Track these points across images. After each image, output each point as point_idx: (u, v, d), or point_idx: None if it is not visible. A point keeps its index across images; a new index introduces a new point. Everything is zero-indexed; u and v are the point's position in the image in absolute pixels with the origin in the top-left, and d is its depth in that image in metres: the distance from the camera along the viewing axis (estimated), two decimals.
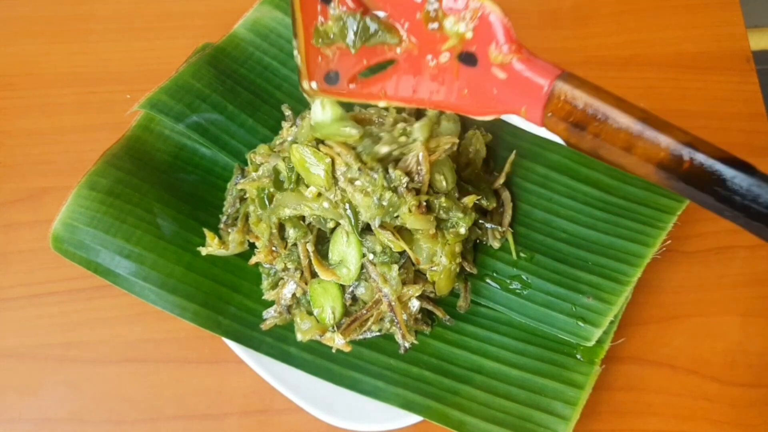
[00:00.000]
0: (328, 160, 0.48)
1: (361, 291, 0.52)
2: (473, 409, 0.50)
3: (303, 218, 0.52)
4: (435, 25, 0.40)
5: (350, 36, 0.44)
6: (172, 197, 0.55)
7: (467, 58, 0.40)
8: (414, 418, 0.50)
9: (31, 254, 0.58)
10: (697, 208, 0.59)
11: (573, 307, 0.53)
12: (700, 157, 0.33)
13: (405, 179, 0.48)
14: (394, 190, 0.48)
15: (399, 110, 0.53)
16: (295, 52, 0.46)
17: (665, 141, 0.33)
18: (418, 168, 0.49)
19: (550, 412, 0.50)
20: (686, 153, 0.33)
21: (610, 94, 0.36)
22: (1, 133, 0.63)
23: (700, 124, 0.64)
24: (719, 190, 0.33)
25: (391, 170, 0.48)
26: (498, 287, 0.55)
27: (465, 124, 0.56)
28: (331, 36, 0.45)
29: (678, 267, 0.59)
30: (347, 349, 0.52)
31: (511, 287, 0.54)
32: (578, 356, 0.52)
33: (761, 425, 0.54)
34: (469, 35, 0.39)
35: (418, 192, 0.49)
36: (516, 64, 0.38)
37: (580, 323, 0.52)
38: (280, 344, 0.52)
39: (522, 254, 0.55)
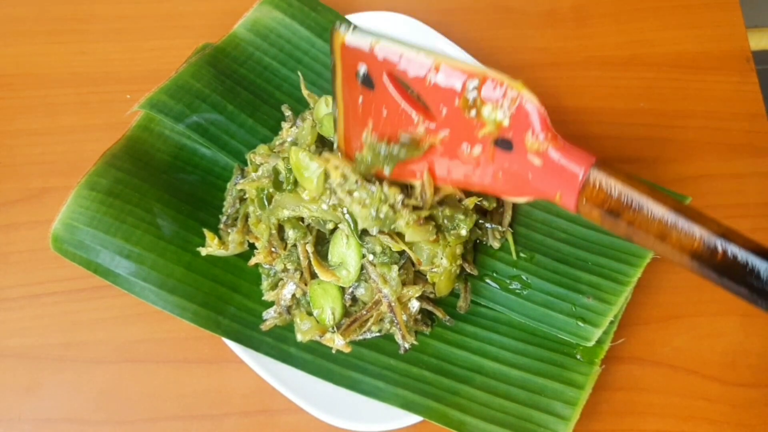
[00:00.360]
0: (320, 169, 0.49)
1: (360, 292, 0.52)
2: (473, 409, 0.50)
3: (302, 219, 0.52)
4: (473, 112, 0.41)
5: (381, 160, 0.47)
6: (172, 197, 0.55)
7: (503, 144, 0.41)
8: (414, 418, 0.50)
9: (31, 254, 0.58)
10: (698, 209, 0.59)
11: (573, 307, 0.53)
12: (734, 249, 0.33)
13: (400, 197, 0.48)
14: (392, 206, 0.48)
15: None
16: (335, 137, 0.50)
17: (699, 232, 0.34)
18: (422, 192, 0.49)
19: (550, 412, 0.49)
20: (720, 244, 0.33)
21: (643, 184, 0.36)
22: (1, 133, 0.63)
23: (700, 124, 0.64)
24: (753, 282, 0.33)
25: (386, 187, 0.48)
26: (498, 287, 0.55)
27: None
28: (368, 160, 0.47)
29: (678, 267, 0.58)
30: (347, 350, 0.52)
31: (510, 287, 0.54)
32: (578, 356, 0.52)
33: (761, 425, 0.54)
34: (506, 123, 0.40)
35: (419, 206, 0.49)
36: (552, 152, 0.39)
37: (580, 323, 0.52)
38: (280, 344, 0.52)
39: (522, 254, 0.55)
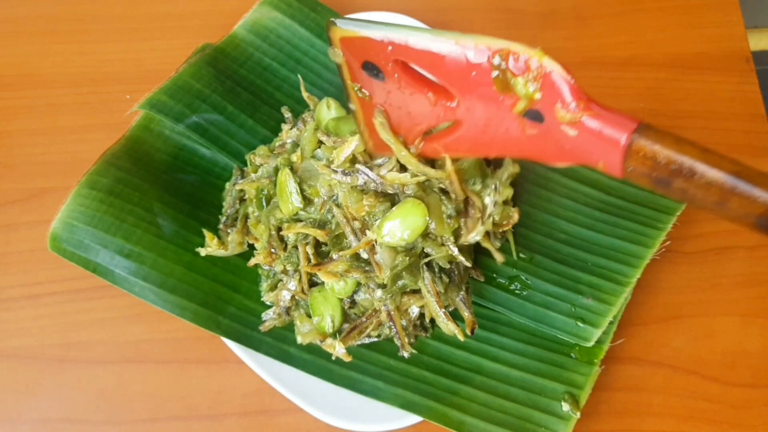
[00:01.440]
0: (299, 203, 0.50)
1: (361, 296, 0.51)
2: (473, 409, 0.50)
3: (300, 220, 0.52)
4: (503, 88, 0.39)
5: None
6: (173, 197, 0.55)
7: (533, 115, 0.39)
8: (414, 418, 0.50)
9: (31, 254, 0.58)
10: (697, 209, 0.59)
11: (572, 307, 0.53)
12: None
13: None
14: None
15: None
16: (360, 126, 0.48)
17: (762, 196, 0.31)
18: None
19: (550, 412, 0.50)
20: None
21: (694, 146, 0.33)
22: (1, 133, 0.63)
23: (700, 124, 0.64)
24: None
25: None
26: (497, 288, 0.55)
27: None
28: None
29: (677, 267, 0.59)
30: (348, 359, 0.51)
31: (510, 288, 0.54)
32: (572, 355, 0.52)
33: (761, 425, 0.54)
34: (538, 96, 0.37)
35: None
36: (587, 121, 0.36)
37: (580, 324, 0.52)
38: (280, 344, 0.52)
39: (522, 255, 0.55)
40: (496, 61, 0.38)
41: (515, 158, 0.43)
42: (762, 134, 0.64)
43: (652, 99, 0.65)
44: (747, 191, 0.32)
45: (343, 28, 0.43)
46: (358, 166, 0.49)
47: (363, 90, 0.46)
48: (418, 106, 0.44)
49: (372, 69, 0.43)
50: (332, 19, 0.44)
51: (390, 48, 0.42)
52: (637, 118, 0.35)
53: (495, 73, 0.38)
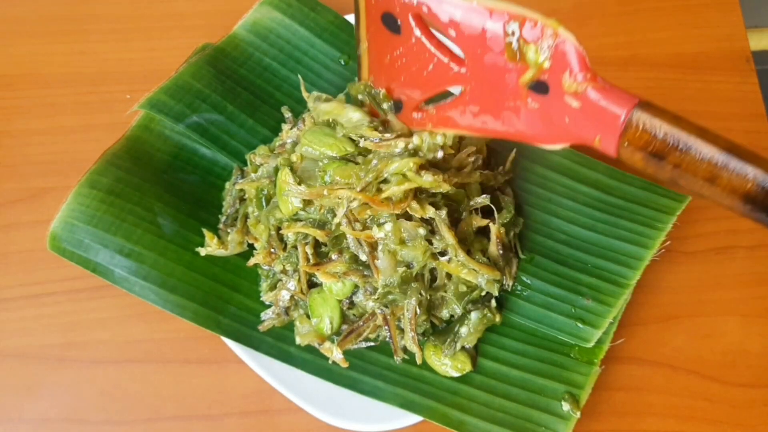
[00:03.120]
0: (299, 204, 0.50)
1: (359, 298, 0.51)
2: (473, 408, 0.50)
3: (300, 220, 0.52)
4: (516, 55, 0.39)
5: None
6: (173, 197, 0.55)
7: (538, 87, 0.39)
8: (414, 418, 0.50)
9: (31, 254, 0.58)
10: (697, 209, 0.59)
11: (572, 308, 0.53)
12: None
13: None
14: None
15: None
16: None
17: (752, 172, 0.32)
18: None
19: (550, 412, 0.50)
20: None
21: (691, 124, 0.34)
22: (1, 133, 0.63)
23: (700, 123, 0.64)
24: None
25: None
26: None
27: None
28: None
29: (678, 267, 0.59)
30: (345, 364, 0.51)
31: (510, 288, 0.54)
32: (572, 355, 0.52)
33: (761, 425, 0.54)
34: (547, 65, 0.38)
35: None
36: (591, 92, 0.36)
37: (580, 324, 0.52)
38: (280, 344, 0.52)
39: (521, 255, 0.55)
40: (511, 27, 0.38)
41: (510, 139, 0.43)
42: (762, 134, 0.64)
43: (652, 99, 0.64)
44: (738, 167, 0.32)
45: None
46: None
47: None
48: (427, 67, 0.44)
49: (391, 21, 0.43)
50: None
51: (416, 1, 0.42)
52: (638, 95, 0.36)
53: (508, 39, 0.39)
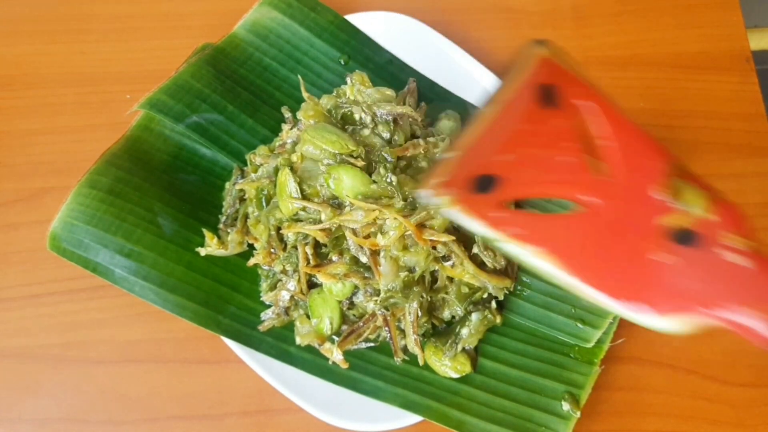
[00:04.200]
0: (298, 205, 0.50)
1: (359, 298, 0.51)
2: (473, 408, 0.50)
3: (300, 220, 0.52)
4: (669, 191, 0.33)
5: None
6: (173, 197, 0.55)
7: (683, 237, 0.32)
8: (414, 418, 0.50)
9: (31, 254, 0.58)
10: None
11: (572, 308, 0.53)
12: None
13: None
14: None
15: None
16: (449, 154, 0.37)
17: None
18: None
19: (550, 412, 0.50)
20: None
21: None
22: (1, 133, 0.63)
23: (700, 124, 0.64)
24: None
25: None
26: None
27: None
28: None
29: None
30: (344, 365, 0.51)
31: (510, 288, 0.54)
32: (572, 355, 0.52)
33: (761, 425, 0.54)
34: (711, 216, 0.32)
35: None
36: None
37: (579, 324, 0.52)
38: (280, 344, 0.52)
39: None
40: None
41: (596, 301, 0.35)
42: (762, 134, 0.64)
43: (652, 99, 0.65)
44: None
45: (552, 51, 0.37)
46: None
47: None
48: (564, 156, 0.36)
49: (549, 95, 0.36)
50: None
51: (586, 86, 0.36)
52: None
53: (671, 173, 0.32)
